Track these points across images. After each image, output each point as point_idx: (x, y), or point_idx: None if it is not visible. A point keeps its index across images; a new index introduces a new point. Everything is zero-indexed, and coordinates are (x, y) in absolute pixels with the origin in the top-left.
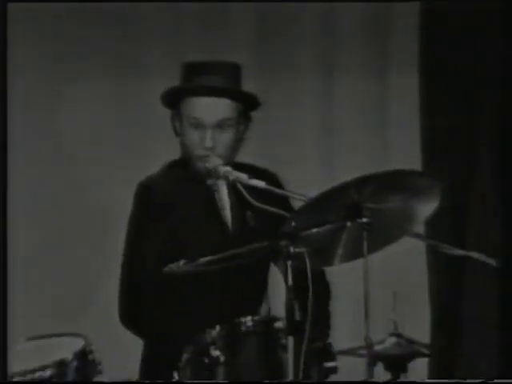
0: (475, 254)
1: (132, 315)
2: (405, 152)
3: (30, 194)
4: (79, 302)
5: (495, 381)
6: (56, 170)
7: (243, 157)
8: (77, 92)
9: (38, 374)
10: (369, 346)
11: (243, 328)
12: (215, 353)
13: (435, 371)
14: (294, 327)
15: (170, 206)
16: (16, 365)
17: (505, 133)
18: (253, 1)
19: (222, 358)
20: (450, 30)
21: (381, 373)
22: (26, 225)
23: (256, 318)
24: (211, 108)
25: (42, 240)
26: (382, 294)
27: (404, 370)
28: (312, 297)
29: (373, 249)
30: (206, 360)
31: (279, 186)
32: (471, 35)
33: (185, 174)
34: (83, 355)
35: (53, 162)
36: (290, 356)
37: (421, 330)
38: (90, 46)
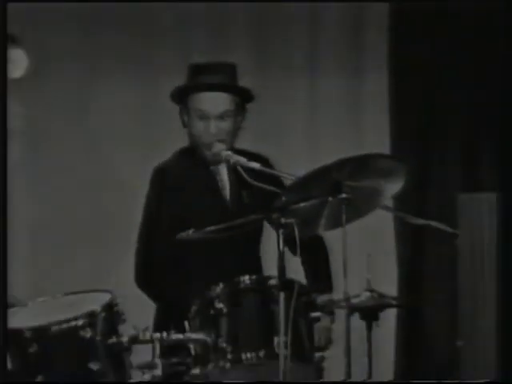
0: (433, 223)
1: (146, 278)
2: (376, 139)
3: (68, 172)
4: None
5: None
6: (85, 155)
7: (241, 143)
8: (100, 89)
9: (69, 324)
10: (347, 299)
11: (242, 285)
12: (219, 305)
13: (401, 319)
14: (284, 284)
15: (179, 186)
16: (53, 316)
17: (464, 130)
18: (248, 0)
19: (225, 310)
20: (418, 31)
21: (357, 321)
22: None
23: (253, 277)
24: (214, 101)
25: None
26: (358, 256)
27: (376, 318)
28: (307, 259)
29: (350, 219)
30: (212, 311)
31: (271, 167)
32: (440, 35)
33: (192, 160)
34: (110, 307)
35: (83, 149)
36: (281, 308)
37: (390, 285)
38: (110, 48)
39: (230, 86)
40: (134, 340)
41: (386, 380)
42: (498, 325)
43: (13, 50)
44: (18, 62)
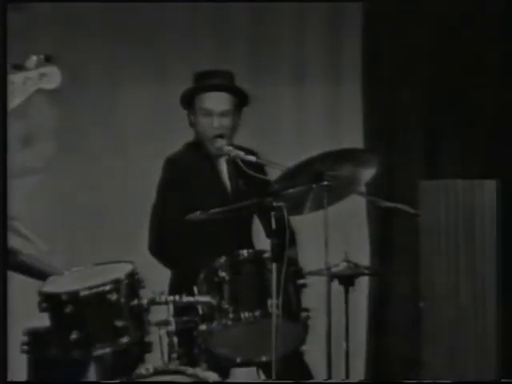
0: (399, 205)
1: (157, 249)
2: (352, 135)
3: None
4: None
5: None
6: (109, 144)
7: (238, 139)
8: (122, 96)
9: (98, 289)
10: (328, 268)
11: (241, 257)
12: (222, 274)
13: (373, 285)
14: (276, 257)
15: (186, 174)
16: (85, 282)
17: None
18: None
19: (227, 277)
20: (391, 30)
21: (336, 286)
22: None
23: (250, 250)
24: (216, 100)
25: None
26: (337, 233)
27: (352, 284)
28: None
29: (331, 203)
30: (216, 279)
31: (258, 156)
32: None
33: (197, 152)
34: (132, 275)
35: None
36: (273, 276)
37: (363, 257)
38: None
39: (229, 86)
40: (152, 302)
41: (361, 333)
42: (455, 290)
43: (48, 67)
44: (53, 77)
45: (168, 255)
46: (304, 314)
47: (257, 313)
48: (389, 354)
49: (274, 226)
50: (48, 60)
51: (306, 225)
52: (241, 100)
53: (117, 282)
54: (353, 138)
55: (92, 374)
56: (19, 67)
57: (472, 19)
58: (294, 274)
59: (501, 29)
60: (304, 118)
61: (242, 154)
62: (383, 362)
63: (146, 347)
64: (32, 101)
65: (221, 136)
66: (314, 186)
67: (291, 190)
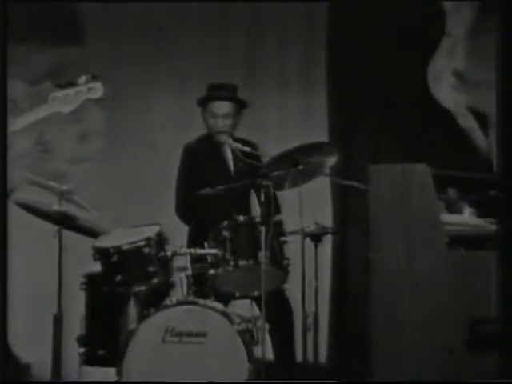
0: (354, 183)
1: (182, 211)
2: (320, 132)
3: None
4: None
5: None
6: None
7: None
8: (154, 100)
9: (132, 246)
10: (302, 229)
11: (239, 221)
12: (225, 233)
13: (335, 242)
14: (264, 221)
15: (200, 158)
16: (126, 239)
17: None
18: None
19: (229, 236)
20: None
21: (308, 242)
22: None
23: (245, 216)
24: (221, 107)
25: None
26: (309, 204)
27: (320, 241)
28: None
29: (304, 181)
30: (220, 237)
31: (256, 148)
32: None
33: (209, 142)
34: (159, 234)
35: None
36: (262, 235)
37: (328, 221)
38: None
39: (229, 97)
40: (175, 253)
41: (326, 275)
42: (396, 246)
43: (94, 83)
44: (98, 90)
45: (187, 218)
46: (285, 262)
47: (250, 261)
48: (347, 289)
49: (262, 198)
50: (94, 78)
51: (286, 198)
52: (240, 106)
53: (148, 239)
54: (321, 135)
55: (131, 305)
56: (73, 84)
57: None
58: (278, 233)
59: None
60: (285, 119)
61: (239, 145)
62: (343, 295)
63: (171, 286)
64: (85, 108)
65: (223, 132)
66: (292, 170)
67: (275, 173)
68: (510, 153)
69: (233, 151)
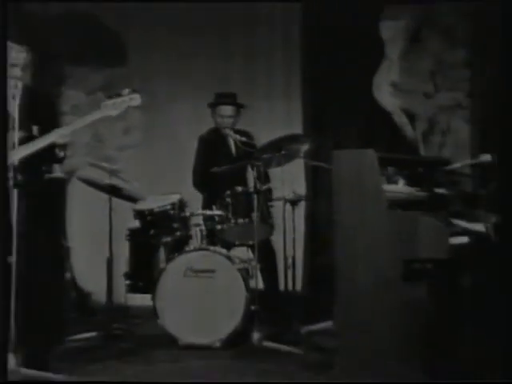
0: (322, 164)
1: (197, 183)
2: (296, 127)
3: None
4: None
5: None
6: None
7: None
8: (176, 104)
9: (161, 208)
10: (283, 197)
11: (237, 191)
12: (228, 200)
13: (307, 205)
14: (256, 191)
15: (210, 145)
16: (157, 203)
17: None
18: None
19: (230, 202)
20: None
21: (288, 206)
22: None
23: (243, 187)
24: (225, 109)
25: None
26: (289, 178)
27: (296, 205)
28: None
29: (285, 163)
30: (224, 202)
31: (252, 138)
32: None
33: (216, 134)
34: (181, 200)
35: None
36: (255, 200)
37: (302, 191)
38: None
39: (232, 103)
40: (192, 214)
41: (301, 229)
42: (353, 212)
43: (134, 94)
44: (136, 99)
45: (201, 189)
46: (271, 220)
47: (246, 220)
48: (317, 239)
49: (255, 175)
50: (134, 91)
51: (273, 174)
52: (239, 108)
53: (173, 203)
54: (297, 129)
55: (161, 251)
56: (119, 94)
57: None
58: (266, 199)
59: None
60: (271, 117)
61: (238, 136)
62: (313, 243)
63: (189, 237)
64: (128, 111)
65: (227, 127)
66: (276, 154)
67: (265, 156)
68: (510, 153)
69: (234, 140)
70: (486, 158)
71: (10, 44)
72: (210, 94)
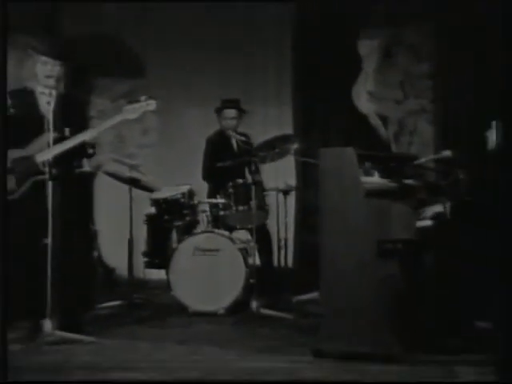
0: (310, 160)
1: (205, 176)
2: (287, 129)
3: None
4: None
5: None
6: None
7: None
8: (189, 109)
9: (173, 197)
10: (277, 187)
11: (238, 183)
12: (230, 190)
13: (298, 194)
14: (254, 182)
15: (216, 144)
16: (170, 192)
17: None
18: None
19: (233, 192)
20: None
21: (281, 195)
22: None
23: (242, 180)
24: (230, 113)
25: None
26: (281, 171)
27: (288, 194)
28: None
29: (278, 159)
30: (227, 192)
31: (250, 139)
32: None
33: (221, 135)
34: (190, 191)
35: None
36: (253, 191)
37: (293, 182)
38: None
39: (236, 107)
40: (200, 202)
41: (292, 214)
42: (337, 199)
43: (150, 100)
44: (152, 105)
45: (208, 180)
46: (266, 207)
47: (245, 207)
48: (305, 223)
49: (253, 169)
50: (150, 97)
51: (268, 168)
52: (241, 112)
53: (183, 193)
54: (288, 130)
55: (174, 233)
56: (137, 101)
57: None
58: (262, 190)
59: None
60: (267, 120)
61: (238, 136)
62: (302, 227)
63: (197, 222)
64: (146, 114)
65: (231, 129)
66: (271, 151)
67: (261, 153)
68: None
69: (235, 140)
70: (447, 153)
71: (46, 59)
72: (216, 101)
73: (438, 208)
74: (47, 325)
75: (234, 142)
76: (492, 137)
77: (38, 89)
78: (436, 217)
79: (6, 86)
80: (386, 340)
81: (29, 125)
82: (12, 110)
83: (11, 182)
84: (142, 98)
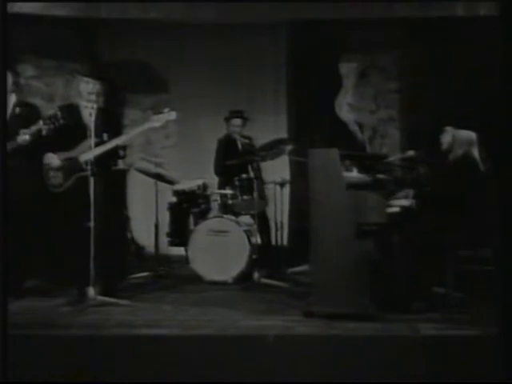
0: (301, 159)
1: (216, 172)
2: (282, 132)
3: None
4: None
5: None
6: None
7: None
8: (202, 118)
9: (191, 189)
10: (275, 180)
11: (242, 178)
12: (237, 183)
13: (292, 186)
14: (256, 177)
15: (225, 146)
16: (188, 185)
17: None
18: None
19: (238, 184)
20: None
21: (278, 187)
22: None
23: (246, 175)
24: (236, 121)
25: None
26: (277, 168)
27: (284, 186)
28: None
29: (276, 158)
30: (234, 185)
31: (253, 141)
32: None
33: (229, 138)
34: (204, 183)
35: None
36: (254, 184)
37: (287, 176)
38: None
39: (241, 116)
40: (212, 193)
41: (286, 202)
42: (322, 190)
43: (171, 112)
44: (173, 115)
45: (219, 175)
46: (266, 197)
47: (249, 197)
48: (298, 210)
49: (255, 166)
50: (171, 109)
51: (267, 165)
52: (245, 120)
53: (199, 186)
54: (283, 134)
55: (191, 217)
56: (161, 112)
57: None
58: (262, 183)
59: None
60: (266, 127)
61: (243, 139)
62: (296, 213)
63: (210, 209)
64: (168, 123)
65: (237, 133)
66: (269, 152)
67: (261, 153)
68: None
69: (240, 143)
70: (410, 153)
71: (88, 79)
72: (224, 111)
73: (403, 196)
74: (90, 291)
75: (239, 143)
76: (444, 139)
77: (82, 103)
78: (402, 204)
79: (6, 86)
80: (363, 303)
81: (74, 132)
82: (61, 121)
83: (59, 178)
84: (165, 110)
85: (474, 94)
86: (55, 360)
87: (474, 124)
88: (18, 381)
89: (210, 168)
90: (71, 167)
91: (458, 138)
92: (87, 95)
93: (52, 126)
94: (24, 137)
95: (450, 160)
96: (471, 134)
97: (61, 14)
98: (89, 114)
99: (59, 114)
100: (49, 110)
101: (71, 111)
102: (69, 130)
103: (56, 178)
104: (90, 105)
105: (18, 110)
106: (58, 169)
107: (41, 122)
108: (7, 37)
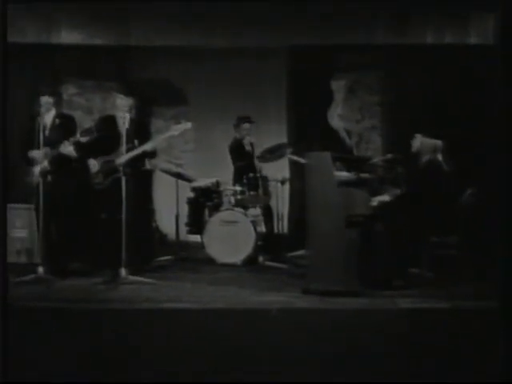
0: (302, 160)
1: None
2: (281, 138)
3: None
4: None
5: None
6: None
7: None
8: (214, 125)
9: (206, 186)
10: (277, 179)
11: (249, 176)
12: (245, 181)
13: (292, 183)
14: (260, 175)
15: (236, 148)
16: (200, 183)
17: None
18: None
19: (246, 182)
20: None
21: (279, 184)
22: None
23: (252, 174)
24: (246, 126)
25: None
26: (279, 168)
27: (285, 183)
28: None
29: (278, 159)
30: (243, 182)
31: (256, 145)
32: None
33: (239, 142)
34: (218, 181)
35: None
36: (260, 182)
37: (287, 175)
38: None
39: (248, 122)
40: (224, 189)
41: (286, 195)
42: (316, 186)
43: (188, 123)
44: (189, 125)
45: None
46: (269, 192)
47: (255, 192)
48: (298, 203)
49: (259, 167)
50: (188, 120)
51: (270, 166)
52: (252, 124)
53: (213, 183)
54: (283, 140)
55: (206, 210)
56: (179, 122)
57: None
58: (266, 180)
59: None
60: (269, 133)
61: (250, 143)
62: (295, 206)
63: (222, 203)
64: (186, 131)
65: (246, 138)
66: (272, 154)
67: (265, 155)
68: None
69: (249, 143)
70: (390, 156)
71: (122, 95)
72: (234, 117)
73: (384, 192)
74: (123, 272)
75: (248, 147)
76: (414, 144)
77: (118, 114)
78: (383, 199)
79: (6, 87)
80: (351, 281)
81: (112, 139)
82: (95, 134)
83: (100, 178)
84: (183, 121)
85: (443, 108)
86: (93, 329)
87: (441, 133)
88: (18, 381)
89: (223, 168)
90: (109, 169)
91: (425, 144)
92: (121, 108)
93: (88, 138)
94: (69, 148)
95: (421, 162)
96: (437, 142)
97: (98, 43)
98: (122, 123)
99: (93, 127)
100: (88, 120)
101: (109, 122)
102: (106, 138)
103: (97, 179)
104: (123, 116)
105: (57, 120)
106: (98, 171)
107: (78, 135)
108: (7, 36)
